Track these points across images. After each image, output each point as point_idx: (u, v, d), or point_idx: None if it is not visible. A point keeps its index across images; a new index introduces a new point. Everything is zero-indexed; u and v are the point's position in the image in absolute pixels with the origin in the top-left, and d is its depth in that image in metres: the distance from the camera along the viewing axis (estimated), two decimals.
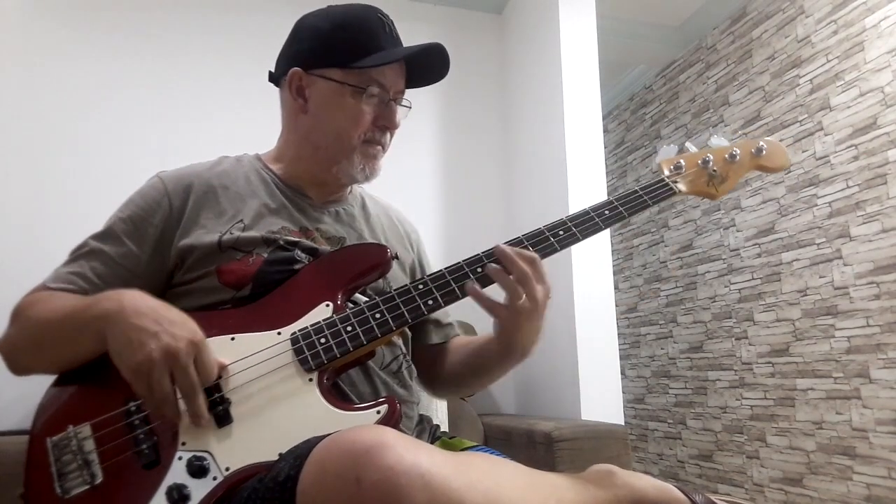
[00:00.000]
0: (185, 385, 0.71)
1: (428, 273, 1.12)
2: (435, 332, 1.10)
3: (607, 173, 3.18)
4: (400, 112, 1.01)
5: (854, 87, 2.32)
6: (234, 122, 2.12)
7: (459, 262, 0.87)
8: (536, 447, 1.57)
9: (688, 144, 1.02)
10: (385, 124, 0.98)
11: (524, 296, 0.82)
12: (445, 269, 0.87)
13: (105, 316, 0.75)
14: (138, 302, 0.76)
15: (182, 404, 0.71)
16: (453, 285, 0.85)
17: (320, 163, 0.99)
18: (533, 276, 0.82)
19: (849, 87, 2.34)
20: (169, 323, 0.73)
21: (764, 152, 1.00)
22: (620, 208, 0.92)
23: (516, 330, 0.86)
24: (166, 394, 0.70)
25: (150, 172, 0.99)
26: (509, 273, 0.82)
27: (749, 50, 2.87)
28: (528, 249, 0.86)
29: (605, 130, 4.06)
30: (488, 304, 0.84)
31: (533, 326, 0.87)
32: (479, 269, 0.85)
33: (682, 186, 0.96)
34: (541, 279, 0.84)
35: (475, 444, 0.98)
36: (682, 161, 0.98)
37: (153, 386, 0.70)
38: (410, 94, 1.03)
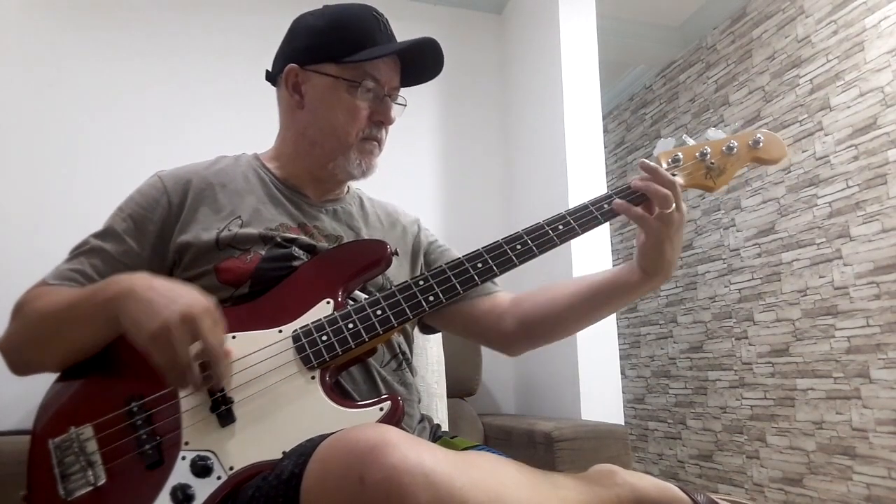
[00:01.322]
0: (211, 345, 0.70)
1: (439, 250, 1.12)
2: (476, 292, 1.04)
3: (607, 173, 3.18)
4: (396, 110, 1.02)
5: (854, 87, 2.32)
6: (233, 122, 2.13)
7: (459, 258, 0.88)
8: (536, 447, 1.57)
9: (685, 137, 1.02)
10: (380, 119, 0.99)
11: (673, 206, 0.84)
12: (446, 264, 0.87)
13: (116, 296, 0.75)
14: (147, 279, 0.76)
15: (197, 371, 0.71)
16: (454, 281, 0.85)
17: (317, 159, 1.00)
18: (678, 187, 0.86)
19: (849, 87, 2.35)
20: (182, 292, 0.73)
21: (761, 144, 1.00)
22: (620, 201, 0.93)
23: (668, 241, 0.87)
24: (187, 360, 0.69)
25: (149, 172, 1.00)
26: (659, 182, 0.85)
27: (749, 50, 2.87)
28: (529, 243, 0.87)
29: (605, 130, 4.06)
30: (641, 215, 0.86)
31: (679, 240, 0.89)
32: (480, 265, 0.86)
33: (680, 179, 0.96)
34: (681, 196, 0.87)
35: (475, 444, 0.98)
36: (679, 154, 0.98)
37: (175, 351, 0.69)
38: (411, 93, 1.04)
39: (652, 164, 0.87)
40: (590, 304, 0.96)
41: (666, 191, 0.84)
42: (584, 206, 0.91)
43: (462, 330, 1.08)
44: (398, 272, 1.00)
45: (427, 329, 1.12)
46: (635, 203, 0.87)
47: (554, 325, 1.00)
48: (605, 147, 3.01)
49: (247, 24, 2.28)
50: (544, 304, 0.99)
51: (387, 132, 1.02)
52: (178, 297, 0.72)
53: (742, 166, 1.01)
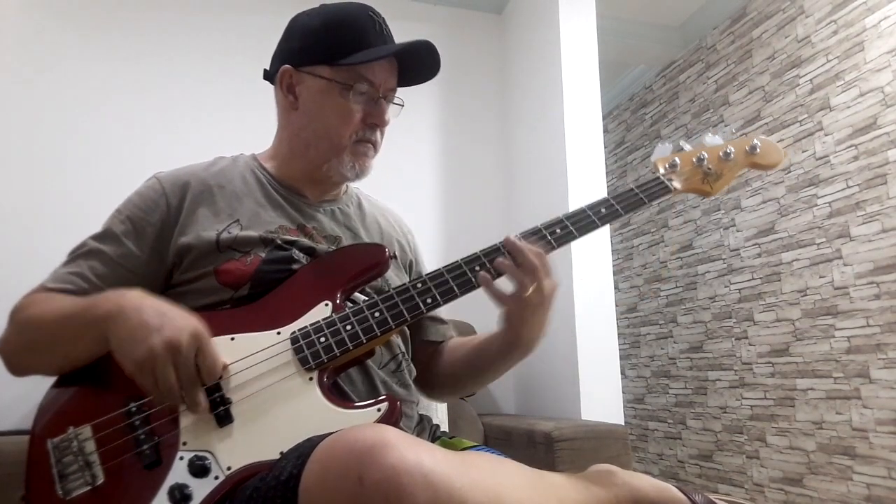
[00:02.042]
0: (185, 377, 0.71)
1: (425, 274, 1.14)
2: (432, 330, 1.11)
3: (607, 173, 3.18)
4: (393, 110, 1.02)
5: (854, 87, 2.32)
6: (233, 122, 2.13)
7: (458, 261, 0.87)
8: (536, 447, 1.57)
9: (682, 143, 1.02)
10: (374, 122, 0.98)
11: (531, 288, 0.83)
12: (444, 267, 0.87)
13: (106, 317, 0.75)
14: (138, 300, 0.77)
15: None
16: (451, 283, 0.85)
17: (311, 161, 1.00)
18: (541, 269, 0.84)
19: (849, 87, 2.34)
20: (171, 317, 0.73)
21: (758, 150, 1.01)
22: (617, 206, 0.93)
23: (523, 322, 0.87)
24: (171, 386, 0.70)
25: (149, 173, 1.00)
26: (518, 265, 0.84)
27: (749, 50, 2.87)
28: (449, 280, 0.87)
29: (605, 130, 4.06)
30: (498, 295, 0.85)
31: (539, 319, 0.88)
32: (478, 268, 0.86)
33: (677, 184, 0.97)
34: (548, 273, 0.85)
35: (475, 444, 0.98)
36: (677, 159, 0.99)
37: (158, 379, 0.70)
38: (411, 94, 1.03)
39: (517, 243, 0.84)
40: (475, 364, 1.01)
41: (522, 275, 0.83)
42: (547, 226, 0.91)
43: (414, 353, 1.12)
44: (393, 275, 1.00)
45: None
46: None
47: (455, 383, 1.07)
48: (605, 147, 3.01)
49: (246, 24, 2.28)
50: (448, 362, 1.06)
51: (382, 134, 1.02)
52: (165, 322, 0.72)
53: (739, 171, 1.02)
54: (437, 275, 0.86)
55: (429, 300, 0.84)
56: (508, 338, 0.91)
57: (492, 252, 0.87)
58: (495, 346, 0.95)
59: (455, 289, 0.85)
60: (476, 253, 0.87)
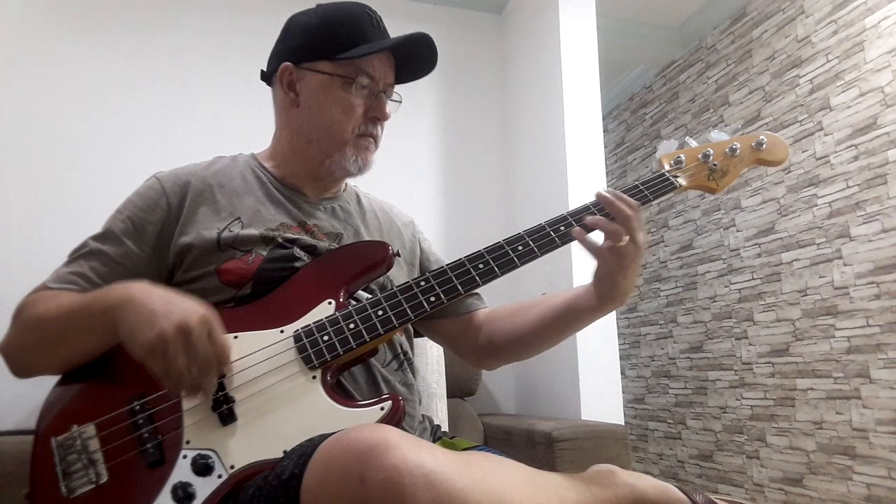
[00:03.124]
0: (203, 358, 0.71)
1: (433, 255, 1.13)
2: (468, 301, 1.09)
3: (607, 173, 3.18)
4: (391, 106, 1.02)
5: (854, 87, 2.32)
6: (231, 122, 2.13)
7: (461, 259, 0.88)
8: (536, 447, 1.57)
9: (688, 139, 1.02)
10: (375, 115, 0.99)
11: (627, 238, 0.84)
12: (447, 265, 0.87)
13: (115, 306, 0.75)
14: (146, 289, 0.77)
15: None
16: (455, 282, 0.85)
17: (314, 157, 1.00)
18: (634, 218, 0.85)
19: (849, 87, 2.35)
20: (179, 302, 0.74)
21: (764, 146, 1.00)
22: None
23: (621, 272, 0.87)
24: (181, 370, 0.70)
25: (149, 172, 1.00)
26: (614, 215, 0.85)
27: (749, 50, 2.87)
28: (531, 244, 0.88)
29: (605, 130, 4.06)
30: (594, 247, 0.86)
31: (634, 270, 0.88)
32: (482, 266, 0.86)
33: (682, 181, 0.97)
34: (641, 225, 0.86)
35: (475, 444, 0.98)
36: (682, 156, 0.99)
37: (169, 362, 0.70)
38: (412, 94, 1.04)
39: (607, 195, 0.86)
40: (550, 326, 0.98)
41: (616, 225, 0.84)
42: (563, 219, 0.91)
43: (443, 342, 1.12)
44: (397, 272, 1.01)
45: (414, 332, 1.13)
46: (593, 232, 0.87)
47: (519, 345, 1.03)
48: (605, 147, 3.01)
49: (244, 24, 2.28)
50: (510, 325, 1.03)
51: (382, 128, 1.02)
52: (174, 307, 0.72)
53: (745, 167, 1.01)
54: (440, 272, 0.86)
55: (432, 298, 0.84)
56: (602, 291, 0.90)
57: (494, 249, 0.87)
58: (584, 302, 0.93)
59: (458, 287, 0.85)
60: (479, 251, 0.88)
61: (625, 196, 0.86)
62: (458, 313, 1.08)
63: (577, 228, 0.86)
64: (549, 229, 0.89)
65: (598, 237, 0.86)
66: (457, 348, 1.10)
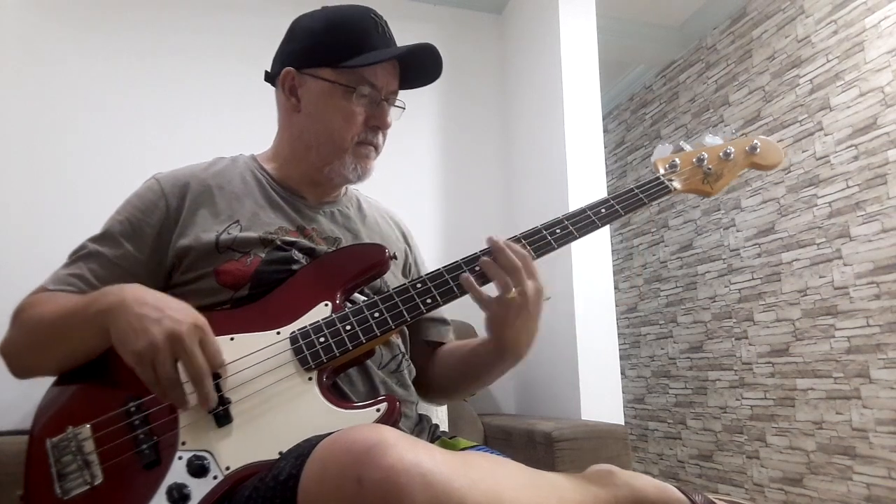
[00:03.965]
0: (194, 367, 0.71)
1: (424, 273, 1.14)
2: (433, 330, 1.10)
3: (607, 173, 3.18)
4: (395, 112, 1.01)
5: (854, 87, 2.32)
6: (233, 122, 2.12)
7: (457, 261, 0.87)
8: (536, 447, 1.57)
9: (683, 143, 1.02)
10: (376, 124, 0.99)
11: (513, 289, 0.83)
12: (444, 267, 0.87)
13: (107, 310, 0.75)
14: (139, 293, 0.76)
15: (188, 389, 0.71)
16: (451, 284, 0.85)
17: (313, 163, 1.00)
18: (524, 270, 0.83)
19: (849, 87, 2.34)
20: (171, 309, 0.73)
21: (758, 150, 1.01)
22: (617, 206, 0.93)
23: (507, 326, 0.86)
24: (172, 378, 0.70)
25: (149, 173, 1.00)
26: (500, 265, 0.83)
27: (749, 50, 2.87)
28: (526, 247, 0.87)
29: (605, 130, 4.06)
30: (479, 297, 0.85)
31: (524, 325, 0.87)
32: (477, 268, 0.86)
33: (677, 184, 0.98)
34: (532, 275, 0.84)
35: (475, 443, 0.98)
36: (677, 159, 0.99)
37: (158, 371, 0.70)
38: (411, 93, 1.03)
39: (498, 242, 0.84)
40: (469, 369, 1.01)
41: (503, 275, 0.83)
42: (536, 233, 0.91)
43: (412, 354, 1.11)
44: (392, 276, 1.01)
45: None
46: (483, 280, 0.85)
47: (451, 386, 1.06)
48: (605, 147, 3.01)
49: (246, 24, 2.28)
50: (444, 366, 1.06)
51: (384, 136, 1.02)
52: (166, 314, 0.72)
53: (739, 171, 1.02)
54: (436, 275, 0.86)
55: (428, 300, 0.84)
56: (495, 343, 0.91)
57: (483, 254, 0.87)
58: (486, 351, 0.94)
59: (455, 289, 0.85)
60: (476, 253, 0.88)
61: (514, 246, 0.85)
62: (434, 338, 1.10)
63: (466, 275, 0.84)
64: (544, 231, 0.89)
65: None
66: (417, 374, 1.09)
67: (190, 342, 0.71)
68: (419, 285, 0.85)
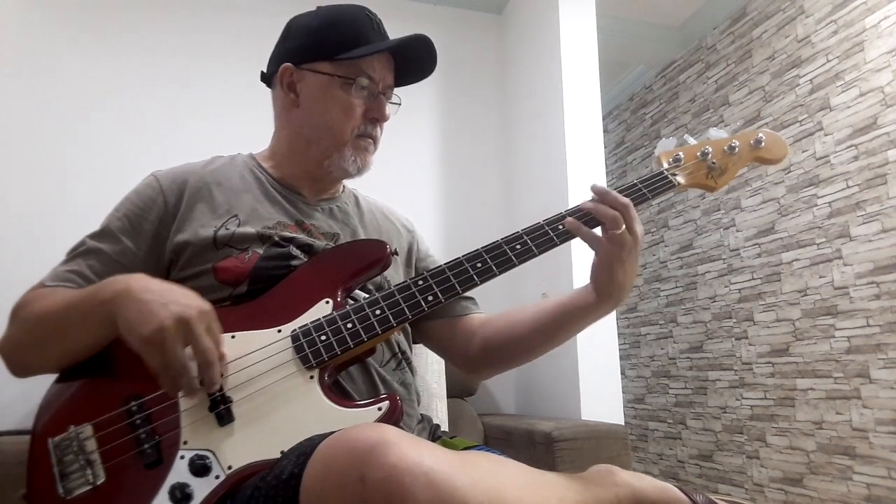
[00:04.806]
0: (203, 349, 0.71)
1: (429, 259, 1.13)
2: (462, 305, 1.08)
3: (607, 173, 3.18)
4: (391, 108, 1.02)
5: (854, 87, 2.32)
6: (230, 122, 2.12)
7: (459, 258, 0.87)
8: (536, 447, 1.57)
9: (687, 137, 1.02)
10: (375, 116, 0.99)
11: (624, 227, 0.84)
12: (445, 265, 0.87)
13: (113, 298, 0.75)
14: (144, 281, 0.76)
15: (193, 371, 0.71)
16: (453, 281, 0.85)
17: (313, 157, 1.00)
18: (631, 207, 0.86)
19: (849, 87, 2.35)
20: (177, 295, 0.73)
21: (763, 144, 1.00)
22: None
23: (619, 263, 0.86)
24: (181, 363, 0.70)
25: (146, 172, 1.00)
26: (609, 204, 0.85)
27: (749, 50, 2.87)
28: (529, 243, 0.88)
29: (605, 130, 4.06)
30: (592, 236, 0.87)
31: (633, 265, 0.88)
32: (479, 265, 0.86)
33: (681, 179, 0.96)
34: (637, 217, 0.87)
35: (475, 444, 0.98)
36: (681, 154, 0.98)
37: (167, 355, 0.69)
38: (411, 94, 1.04)
39: (602, 186, 0.88)
40: (547, 328, 0.96)
41: (614, 212, 0.84)
42: (541, 226, 0.91)
43: (435, 347, 1.11)
44: (393, 272, 1.01)
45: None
46: (590, 225, 0.87)
47: (514, 351, 1.01)
48: (605, 147, 3.01)
49: (243, 24, 2.28)
50: (504, 329, 1.01)
51: (381, 130, 1.03)
52: (173, 299, 0.72)
53: (743, 166, 1.01)
54: (438, 272, 0.86)
55: (430, 297, 0.84)
56: (601, 286, 0.89)
57: (492, 249, 0.87)
58: (581, 301, 0.92)
59: (457, 286, 0.85)
60: (477, 250, 0.88)
61: (615, 192, 0.88)
62: (452, 315, 1.06)
63: (572, 219, 0.86)
64: (546, 227, 0.89)
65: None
66: (450, 353, 1.08)
67: (198, 326, 0.71)
68: (421, 282, 0.85)
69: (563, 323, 0.95)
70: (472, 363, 1.05)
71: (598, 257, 0.88)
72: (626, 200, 0.86)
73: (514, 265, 0.87)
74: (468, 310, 1.08)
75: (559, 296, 0.97)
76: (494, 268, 0.86)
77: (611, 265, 0.87)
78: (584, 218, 0.87)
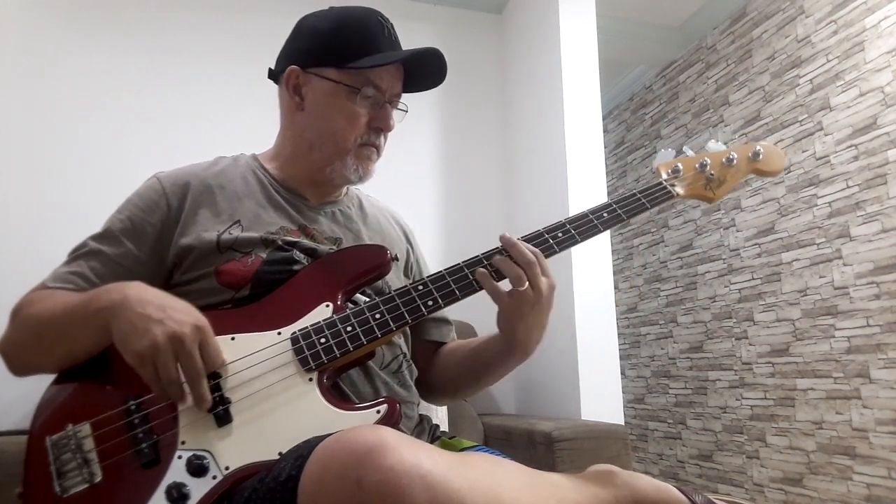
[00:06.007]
0: (191, 369, 0.71)
1: (425, 272, 1.14)
2: (434, 331, 1.11)
3: (607, 173, 3.18)
4: (397, 115, 1.02)
5: (854, 87, 2.32)
6: (233, 122, 2.12)
7: (459, 264, 0.87)
8: (536, 447, 1.57)
9: (685, 148, 1.03)
10: (379, 126, 0.99)
11: (527, 283, 0.84)
12: (445, 270, 0.87)
13: (109, 307, 0.75)
14: (142, 292, 0.77)
15: (187, 388, 0.72)
16: (453, 286, 0.85)
17: (315, 163, 1.00)
18: (536, 264, 0.85)
19: (849, 87, 2.34)
20: (173, 310, 0.74)
21: (761, 156, 1.02)
22: (619, 211, 0.93)
23: (520, 319, 0.87)
24: (172, 379, 0.71)
25: (149, 173, 1.00)
26: (514, 260, 0.84)
27: (749, 50, 2.87)
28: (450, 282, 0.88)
29: (605, 130, 4.06)
30: (496, 290, 0.86)
31: (536, 320, 0.88)
32: (484, 266, 0.86)
33: (679, 190, 0.98)
34: (545, 272, 0.86)
35: (475, 444, 0.98)
36: (679, 165, 1.00)
37: (159, 371, 0.70)
38: (411, 94, 1.03)
39: (510, 238, 0.86)
40: (473, 367, 1.01)
41: (518, 269, 0.84)
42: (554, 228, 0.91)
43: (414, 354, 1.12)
44: (394, 277, 1.01)
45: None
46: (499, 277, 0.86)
47: (453, 386, 1.06)
48: (605, 147, 3.01)
49: (247, 24, 2.28)
50: (446, 366, 1.06)
51: (385, 139, 1.02)
52: (168, 315, 0.72)
53: (741, 178, 1.03)
54: (438, 277, 0.86)
55: (430, 302, 0.84)
56: (506, 338, 0.91)
57: (494, 254, 0.87)
58: (493, 348, 0.95)
59: (456, 291, 0.85)
60: (478, 256, 0.88)
61: (525, 244, 0.86)
62: (435, 339, 1.10)
63: (482, 270, 0.85)
64: (466, 270, 0.87)
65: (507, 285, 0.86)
66: (419, 374, 1.09)
67: (190, 344, 0.71)
68: (420, 287, 0.85)
69: (481, 365, 0.99)
70: (428, 390, 1.08)
71: (499, 310, 0.89)
72: (531, 257, 0.84)
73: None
74: (446, 338, 1.11)
75: (484, 337, 0.99)
76: (493, 274, 0.86)
77: (511, 320, 0.88)
78: (492, 267, 0.86)
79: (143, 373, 0.71)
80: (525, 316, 0.87)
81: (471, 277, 0.85)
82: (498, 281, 0.86)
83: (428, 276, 0.87)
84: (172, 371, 0.71)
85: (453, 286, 0.85)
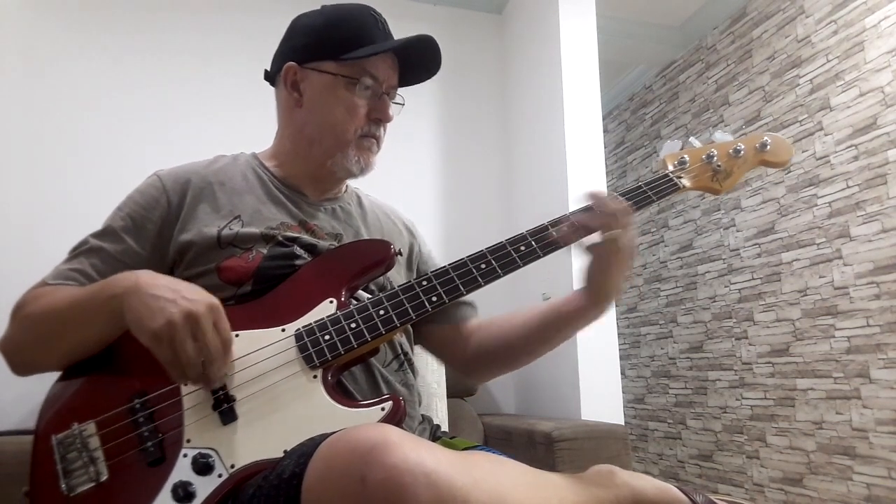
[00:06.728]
0: (211, 345, 0.72)
1: (431, 261, 1.14)
2: (461, 310, 1.09)
3: (607, 173, 3.18)
4: (394, 109, 1.02)
5: (854, 87, 2.32)
6: (232, 121, 2.13)
7: (463, 259, 0.87)
8: (536, 447, 1.57)
9: (692, 139, 1.01)
10: (378, 117, 0.99)
11: (620, 231, 0.85)
12: (449, 265, 0.87)
13: (121, 293, 0.76)
14: (151, 277, 0.77)
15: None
16: (457, 282, 0.85)
17: (316, 157, 1.00)
18: (625, 212, 0.86)
19: (849, 87, 2.35)
20: (185, 290, 0.74)
21: (768, 147, 0.99)
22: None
23: (609, 269, 0.88)
24: (190, 357, 0.71)
25: (149, 172, 1.00)
26: (604, 209, 0.86)
27: (749, 50, 2.87)
28: (533, 244, 0.88)
29: (605, 130, 4.06)
30: (585, 238, 0.88)
31: (622, 269, 0.89)
32: (483, 266, 0.86)
33: (686, 182, 0.96)
34: (632, 223, 0.88)
35: (475, 444, 0.98)
36: (686, 156, 0.98)
37: (176, 349, 0.70)
38: (412, 94, 1.04)
39: (596, 191, 0.88)
40: (538, 332, 0.99)
41: (607, 217, 0.86)
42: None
43: (434, 350, 1.12)
44: (396, 273, 1.01)
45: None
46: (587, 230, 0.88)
47: (508, 354, 1.04)
48: (605, 147, 3.01)
49: (246, 24, 2.28)
50: (499, 334, 1.04)
51: (385, 130, 1.03)
52: (182, 294, 0.73)
53: (749, 169, 1.00)
54: (442, 272, 0.86)
55: (434, 298, 0.84)
56: (591, 289, 0.92)
57: (496, 250, 0.88)
58: (573, 305, 0.95)
59: (460, 287, 0.85)
60: (482, 251, 0.88)
61: (616, 196, 0.88)
62: (451, 321, 1.08)
63: (570, 222, 0.87)
64: (551, 229, 0.89)
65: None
66: (447, 356, 1.11)
67: (206, 322, 0.72)
68: (424, 283, 0.85)
69: (551, 327, 0.98)
70: (468, 367, 1.08)
71: (592, 260, 0.90)
72: (619, 206, 0.86)
73: (519, 266, 0.87)
74: (467, 315, 1.09)
75: (550, 301, 0.99)
76: (498, 269, 0.86)
77: (602, 270, 0.89)
78: (585, 219, 0.88)
79: (160, 352, 0.71)
80: (613, 266, 0.88)
81: (475, 273, 0.85)
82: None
83: (432, 272, 0.87)
84: (190, 349, 0.71)
85: (457, 282, 0.85)
